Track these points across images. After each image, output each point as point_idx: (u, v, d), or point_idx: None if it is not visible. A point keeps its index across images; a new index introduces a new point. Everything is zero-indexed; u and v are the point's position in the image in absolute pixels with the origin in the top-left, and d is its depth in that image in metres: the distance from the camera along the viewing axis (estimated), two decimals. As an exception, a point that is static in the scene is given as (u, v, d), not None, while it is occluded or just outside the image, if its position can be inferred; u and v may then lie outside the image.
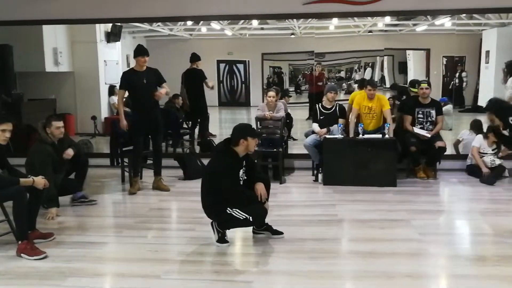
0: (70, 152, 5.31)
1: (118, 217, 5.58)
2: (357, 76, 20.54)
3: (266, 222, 4.47)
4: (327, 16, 7.36)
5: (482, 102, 13.15)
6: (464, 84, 14.18)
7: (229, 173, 4.19)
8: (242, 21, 11.22)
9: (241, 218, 4.16)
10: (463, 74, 14.86)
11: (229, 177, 4.18)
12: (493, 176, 6.27)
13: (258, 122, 6.84)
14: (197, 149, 8.08)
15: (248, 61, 16.28)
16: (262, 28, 14.00)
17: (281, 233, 4.49)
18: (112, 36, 10.26)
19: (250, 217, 4.18)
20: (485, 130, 6.72)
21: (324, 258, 4.04)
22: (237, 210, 4.16)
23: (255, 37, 14.59)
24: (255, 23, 11.72)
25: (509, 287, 3.47)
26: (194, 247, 4.31)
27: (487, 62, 13.40)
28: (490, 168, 6.38)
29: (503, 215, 5.16)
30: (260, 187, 4.26)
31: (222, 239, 4.29)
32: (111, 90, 10.41)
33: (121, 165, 6.67)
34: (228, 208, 4.17)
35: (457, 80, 14.72)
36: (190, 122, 8.46)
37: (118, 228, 4.96)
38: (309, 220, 5.03)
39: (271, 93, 6.90)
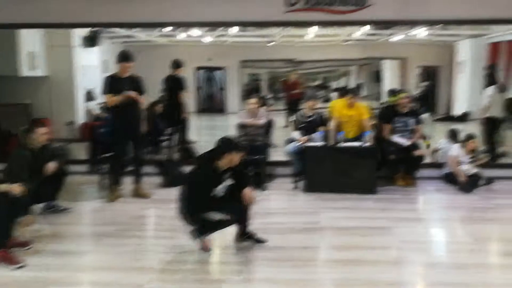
0: (52, 166, 5.17)
1: (98, 225, 5.46)
2: (334, 84, 20.83)
3: (248, 231, 4.44)
4: (309, 24, 7.43)
5: (457, 111, 13.47)
6: (419, 93, 14.58)
7: (207, 183, 4.17)
8: (222, 27, 11.21)
9: (218, 218, 4.15)
10: (424, 83, 15.28)
11: (207, 187, 4.16)
12: (470, 185, 6.39)
13: (240, 129, 6.84)
14: (177, 155, 8.01)
15: (226, 67, 16.31)
16: (240, 36, 14.01)
17: (264, 241, 4.47)
18: (90, 41, 10.14)
19: (228, 216, 4.17)
20: (462, 139, 6.86)
21: (306, 266, 4.05)
22: (214, 212, 4.15)
23: (234, 44, 14.63)
24: (234, 30, 11.72)
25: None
26: (176, 255, 4.27)
27: (461, 72, 13.73)
28: (467, 177, 6.50)
29: (480, 223, 5.26)
30: (247, 191, 4.24)
31: (204, 247, 4.26)
32: (89, 96, 10.27)
33: (100, 171, 6.55)
34: (205, 214, 4.15)
35: (421, 88, 15.13)
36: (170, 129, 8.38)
37: (98, 236, 4.87)
38: (291, 227, 5.03)
39: (253, 100, 6.93)
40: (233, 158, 4.21)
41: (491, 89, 7.79)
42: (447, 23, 8.20)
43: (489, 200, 6.11)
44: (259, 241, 4.46)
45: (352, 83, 19.81)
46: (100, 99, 8.65)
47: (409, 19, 7.16)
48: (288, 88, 12.94)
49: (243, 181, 4.36)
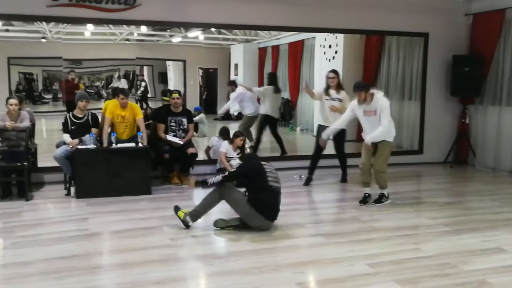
0: None
1: None
2: (119, 85, 20.30)
3: None
4: (76, 21, 7.02)
5: (233, 110, 14.43)
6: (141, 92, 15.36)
7: None
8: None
9: None
10: (143, 83, 16.11)
11: None
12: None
13: (-1, 134, 6.11)
14: None
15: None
16: (7, 30, 12.65)
17: None
18: None
19: None
20: (231, 136, 7.33)
21: (72, 276, 3.81)
22: None
23: (-1, 39, 13.11)
24: (-4, 23, 10.48)
25: (244, 280, 3.81)
26: None
27: (236, 74, 14.76)
28: (235, 170, 6.96)
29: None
30: None
31: None
32: None
33: None
34: None
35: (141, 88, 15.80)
36: None
37: None
38: (58, 237, 4.71)
39: (13, 101, 6.24)
40: None
41: (267, 89, 8.47)
42: (215, 27, 8.68)
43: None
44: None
45: (137, 84, 19.61)
46: None
47: (177, 21, 7.36)
48: (67, 88, 12.19)
49: None
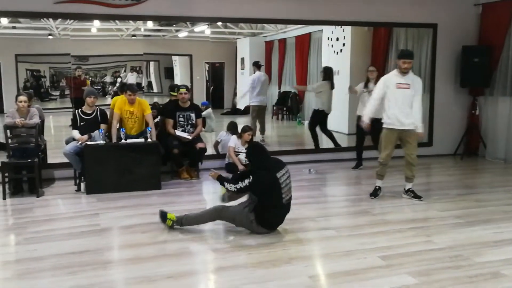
0: None
1: None
2: (125, 80, 20.31)
3: None
4: (83, 17, 7.02)
5: (240, 105, 14.43)
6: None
7: None
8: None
9: None
10: (118, 80, 16.08)
11: None
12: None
13: (8, 131, 6.13)
14: None
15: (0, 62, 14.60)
16: (14, 27, 12.68)
17: None
18: None
19: None
20: (239, 130, 7.32)
21: (85, 271, 3.82)
22: None
23: (6, 36, 13.14)
24: (4, 21, 10.54)
25: (256, 273, 3.81)
26: None
27: (242, 68, 14.73)
28: (244, 165, 6.96)
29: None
30: None
31: None
32: None
33: None
34: None
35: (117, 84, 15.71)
36: None
37: None
38: (70, 233, 4.72)
39: (22, 98, 6.25)
40: None
41: (323, 84, 8.24)
42: (222, 21, 8.65)
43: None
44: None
45: (143, 80, 19.61)
46: None
47: (183, 16, 7.32)
48: (75, 84, 12.23)
49: None
